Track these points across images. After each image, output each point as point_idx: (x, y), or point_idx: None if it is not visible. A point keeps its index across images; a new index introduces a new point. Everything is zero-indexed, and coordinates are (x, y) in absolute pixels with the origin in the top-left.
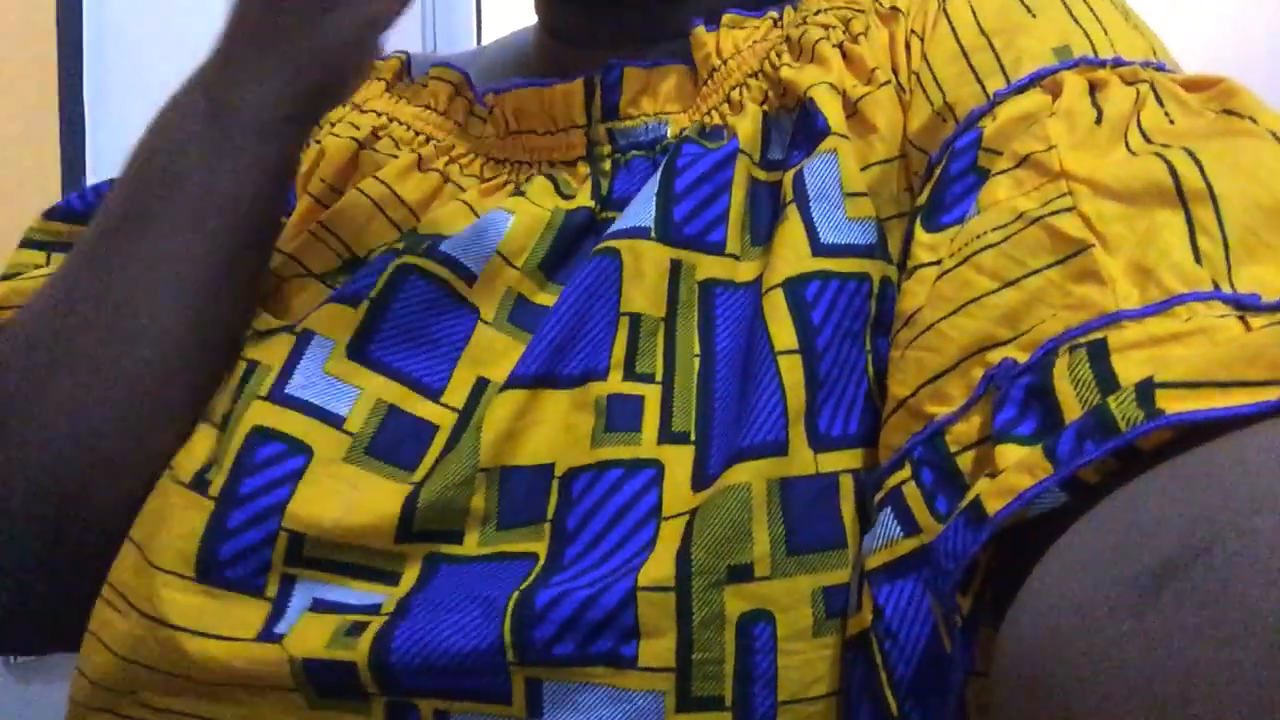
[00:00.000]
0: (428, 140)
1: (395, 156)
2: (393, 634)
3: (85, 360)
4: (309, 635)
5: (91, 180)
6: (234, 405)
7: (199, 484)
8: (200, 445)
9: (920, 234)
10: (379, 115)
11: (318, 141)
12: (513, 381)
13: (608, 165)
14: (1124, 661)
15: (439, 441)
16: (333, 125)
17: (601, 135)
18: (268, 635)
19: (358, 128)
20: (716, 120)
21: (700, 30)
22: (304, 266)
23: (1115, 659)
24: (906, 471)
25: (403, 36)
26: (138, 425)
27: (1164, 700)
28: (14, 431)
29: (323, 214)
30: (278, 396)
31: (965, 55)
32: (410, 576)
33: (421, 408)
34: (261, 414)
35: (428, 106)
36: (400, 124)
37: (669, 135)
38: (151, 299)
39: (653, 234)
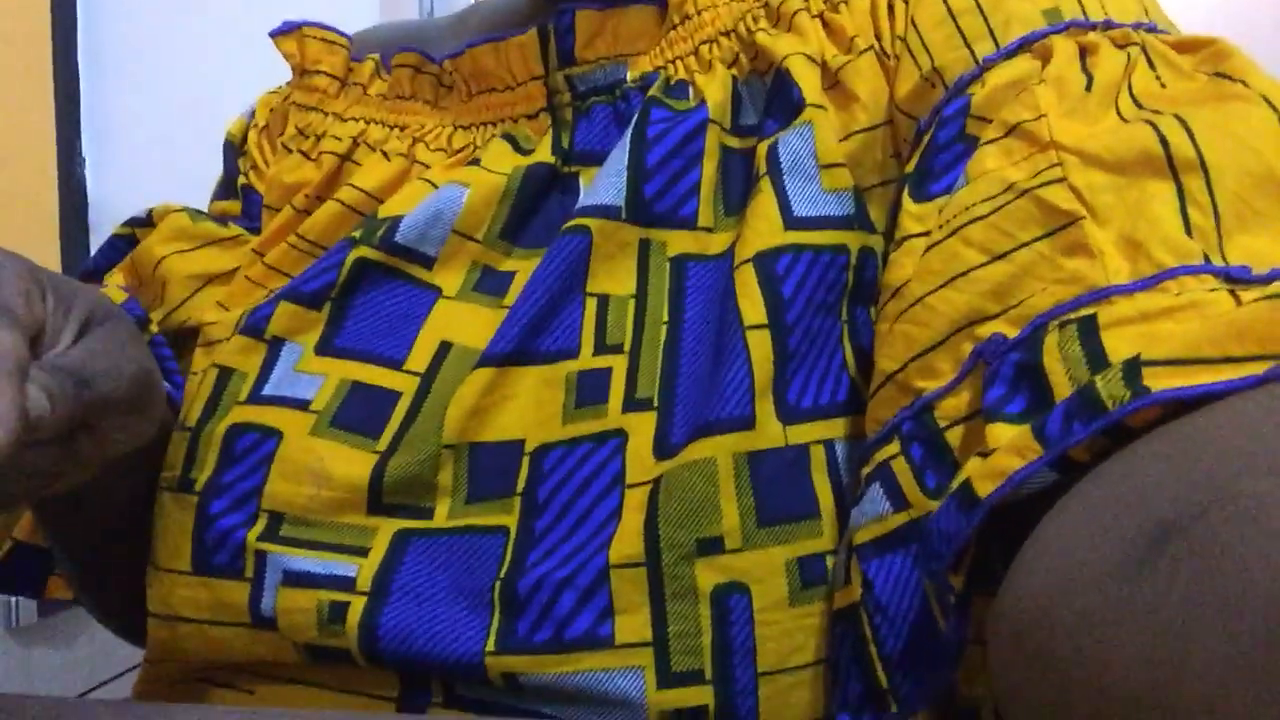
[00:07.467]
0: (403, 130)
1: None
2: (377, 621)
3: None
4: (295, 616)
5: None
6: (211, 412)
7: (185, 485)
8: (177, 452)
9: (908, 204)
10: (357, 122)
11: (313, 159)
12: (485, 360)
13: (569, 114)
14: (1120, 627)
15: (401, 407)
16: (319, 140)
17: (560, 83)
18: (259, 618)
19: (339, 139)
20: (681, 73)
21: None
22: (286, 274)
23: (1112, 625)
24: (895, 446)
25: (401, 13)
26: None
27: (1161, 664)
28: None
29: (300, 224)
30: (254, 399)
31: (953, 18)
32: (380, 548)
33: (384, 378)
34: (239, 415)
35: (398, 96)
36: (376, 124)
37: (629, 78)
38: None
39: (623, 214)
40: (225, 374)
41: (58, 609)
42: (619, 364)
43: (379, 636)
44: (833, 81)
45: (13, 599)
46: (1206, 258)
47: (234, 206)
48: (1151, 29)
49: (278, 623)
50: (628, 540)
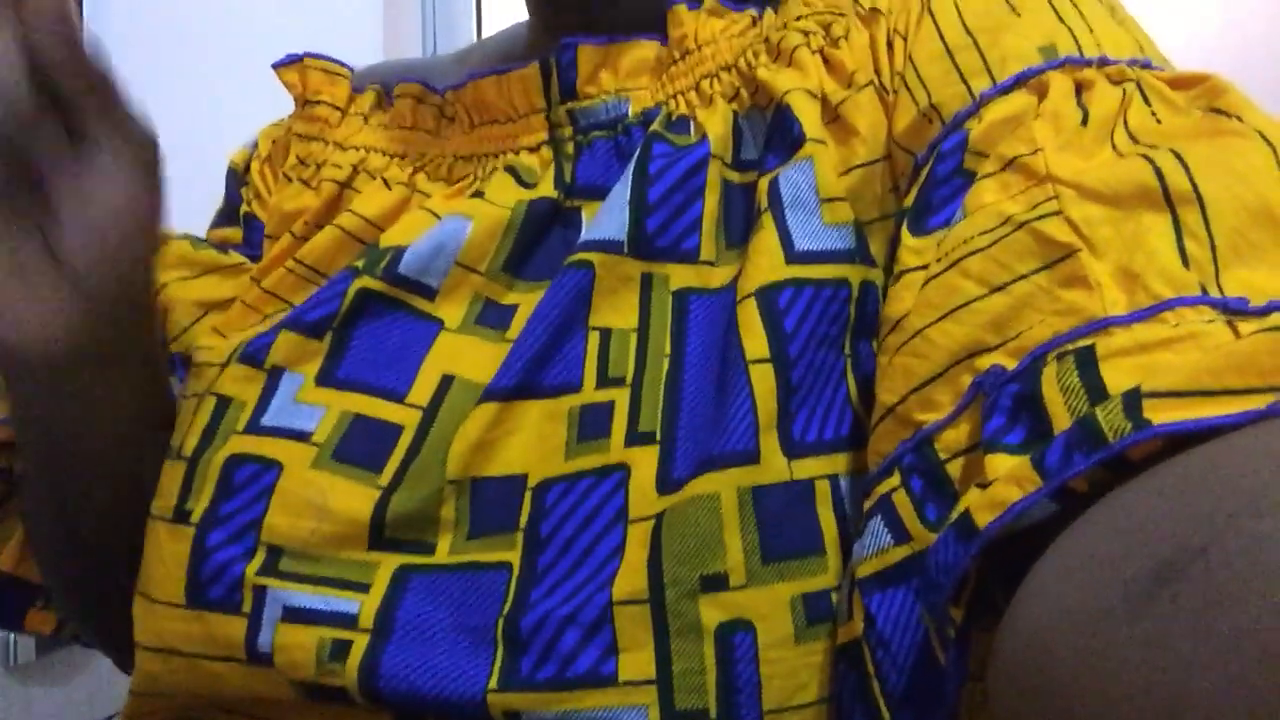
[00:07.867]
0: (404, 159)
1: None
2: (379, 660)
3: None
4: (294, 654)
5: None
6: (209, 441)
7: (181, 516)
8: (172, 481)
9: (907, 238)
10: (358, 150)
11: (313, 187)
12: (489, 394)
13: (570, 148)
14: (1120, 666)
15: (404, 441)
16: (319, 168)
17: (562, 117)
18: (255, 654)
19: (339, 167)
20: (683, 108)
21: (681, 8)
22: (283, 300)
23: (1112, 663)
24: (896, 479)
25: (403, 37)
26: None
27: (1160, 704)
28: None
29: (299, 250)
30: (253, 429)
31: (950, 55)
32: (381, 584)
33: (385, 411)
34: (238, 445)
35: (400, 126)
36: (377, 152)
37: (630, 113)
38: None
39: (626, 249)
40: (223, 403)
41: (56, 647)
42: (621, 397)
43: (380, 675)
44: (833, 116)
45: (11, 637)
46: (1203, 289)
47: (235, 234)
48: (1146, 65)
49: (274, 659)
50: (631, 577)
